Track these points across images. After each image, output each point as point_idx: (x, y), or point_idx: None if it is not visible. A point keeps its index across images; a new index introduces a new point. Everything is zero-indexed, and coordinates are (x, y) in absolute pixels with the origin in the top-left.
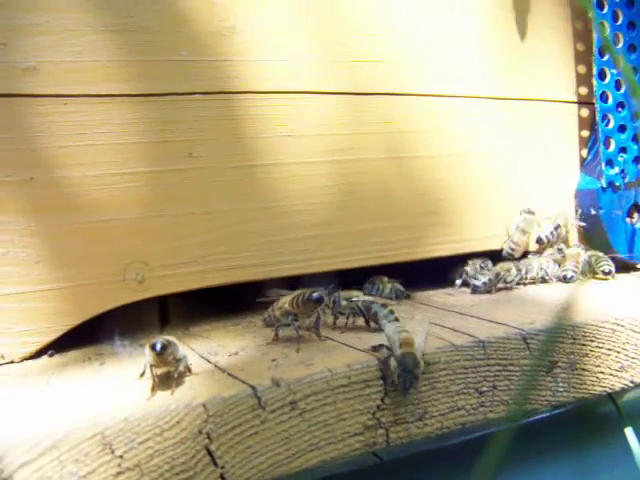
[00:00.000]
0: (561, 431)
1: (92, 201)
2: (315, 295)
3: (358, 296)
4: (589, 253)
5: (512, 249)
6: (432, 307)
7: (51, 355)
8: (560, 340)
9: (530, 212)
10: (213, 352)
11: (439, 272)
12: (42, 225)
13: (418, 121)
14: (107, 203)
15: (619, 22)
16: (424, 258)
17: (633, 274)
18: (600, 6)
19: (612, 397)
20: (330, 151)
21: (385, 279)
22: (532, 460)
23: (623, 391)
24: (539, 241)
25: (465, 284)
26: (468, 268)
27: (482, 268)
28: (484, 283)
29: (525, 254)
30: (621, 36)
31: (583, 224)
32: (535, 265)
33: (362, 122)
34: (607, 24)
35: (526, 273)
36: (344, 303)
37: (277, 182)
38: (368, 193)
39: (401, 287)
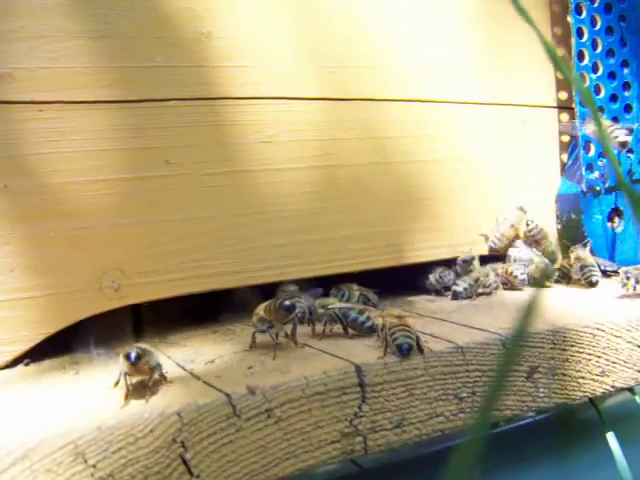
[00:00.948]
0: (543, 437)
1: (68, 208)
2: (286, 303)
3: (334, 303)
4: (576, 259)
5: (498, 239)
6: (412, 313)
7: (27, 364)
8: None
9: (522, 209)
10: (189, 360)
11: (420, 277)
12: (17, 233)
13: (399, 127)
14: (83, 210)
15: (597, 27)
16: (408, 264)
17: (614, 278)
18: (578, 11)
19: (593, 402)
20: (310, 157)
21: (354, 286)
22: (515, 466)
23: (605, 396)
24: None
25: (437, 292)
26: (431, 277)
27: (442, 278)
28: (465, 289)
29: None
30: (600, 41)
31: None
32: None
33: (342, 128)
34: (585, 29)
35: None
36: (320, 311)
37: (256, 188)
38: (349, 199)
39: (371, 295)
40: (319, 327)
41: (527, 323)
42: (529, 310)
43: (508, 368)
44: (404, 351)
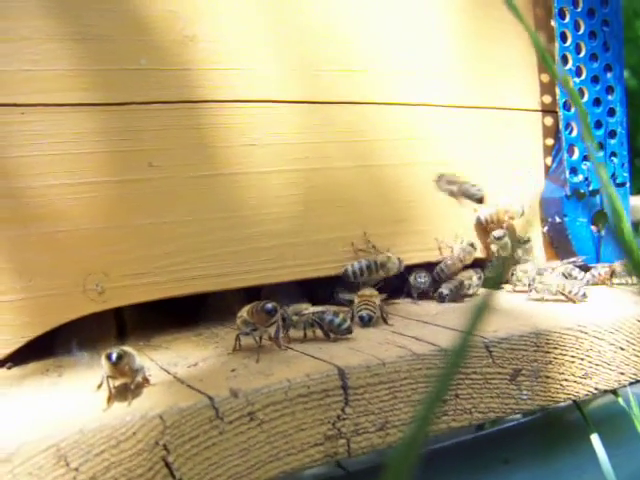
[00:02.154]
0: (528, 439)
1: (51, 212)
2: (268, 306)
3: (307, 308)
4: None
5: (490, 215)
6: (395, 316)
7: (9, 367)
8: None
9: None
10: (173, 363)
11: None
12: (0, 236)
13: (383, 130)
14: (66, 213)
15: (580, 32)
16: None
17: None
18: (562, 16)
19: (578, 404)
20: (293, 160)
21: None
22: (499, 469)
23: (589, 398)
24: (479, 221)
25: (409, 295)
26: (411, 279)
27: (419, 279)
28: (451, 290)
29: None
30: (583, 45)
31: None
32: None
33: (326, 131)
34: (569, 33)
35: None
36: (295, 318)
37: (240, 191)
38: (333, 202)
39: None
40: (297, 334)
41: (474, 328)
42: (477, 314)
43: (451, 376)
44: (364, 320)
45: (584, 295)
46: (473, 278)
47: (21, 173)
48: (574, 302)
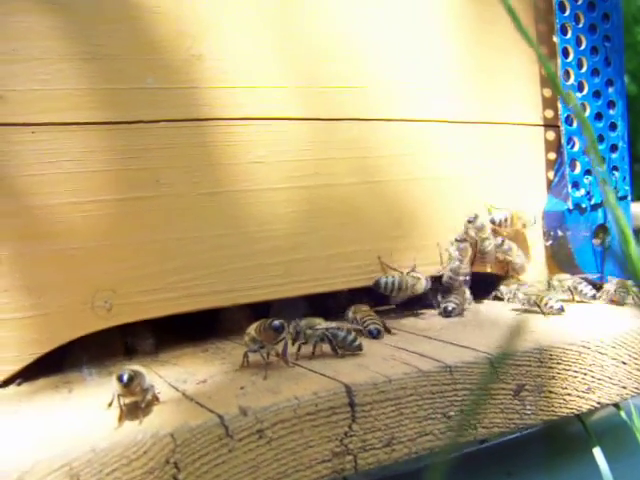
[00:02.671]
0: (531, 452)
1: (61, 229)
2: (276, 324)
3: (320, 323)
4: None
5: (504, 219)
6: (401, 331)
7: (19, 384)
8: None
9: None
10: (181, 380)
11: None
12: (10, 253)
13: (387, 146)
14: (76, 231)
15: (582, 47)
16: None
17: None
18: (564, 31)
19: (580, 417)
20: (299, 177)
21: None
22: None
23: (591, 412)
24: (492, 221)
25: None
26: (442, 303)
27: (450, 304)
28: (456, 305)
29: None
30: (585, 60)
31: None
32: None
33: (331, 147)
34: (571, 49)
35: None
36: (309, 332)
37: (246, 208)
38: (338, 218)
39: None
40: (306, 348)
41: (512, 345)
42: (515, 333)
43: (487, 390)
44: (374, 334)
45: (561, 309)
46: (467, 292)
47: (32, 191)
48: (552, 314)
